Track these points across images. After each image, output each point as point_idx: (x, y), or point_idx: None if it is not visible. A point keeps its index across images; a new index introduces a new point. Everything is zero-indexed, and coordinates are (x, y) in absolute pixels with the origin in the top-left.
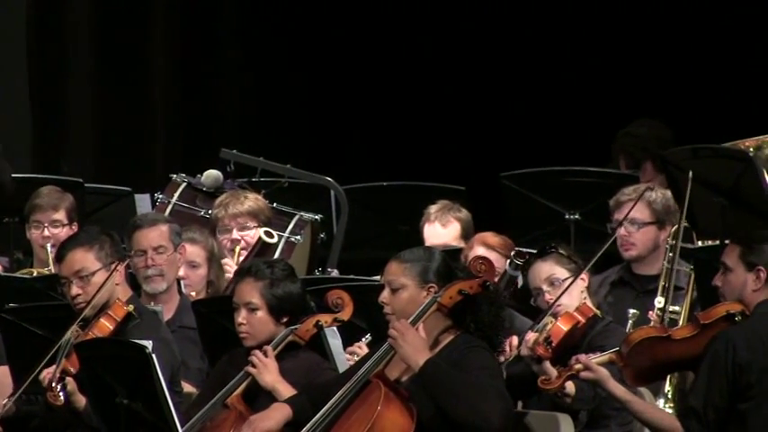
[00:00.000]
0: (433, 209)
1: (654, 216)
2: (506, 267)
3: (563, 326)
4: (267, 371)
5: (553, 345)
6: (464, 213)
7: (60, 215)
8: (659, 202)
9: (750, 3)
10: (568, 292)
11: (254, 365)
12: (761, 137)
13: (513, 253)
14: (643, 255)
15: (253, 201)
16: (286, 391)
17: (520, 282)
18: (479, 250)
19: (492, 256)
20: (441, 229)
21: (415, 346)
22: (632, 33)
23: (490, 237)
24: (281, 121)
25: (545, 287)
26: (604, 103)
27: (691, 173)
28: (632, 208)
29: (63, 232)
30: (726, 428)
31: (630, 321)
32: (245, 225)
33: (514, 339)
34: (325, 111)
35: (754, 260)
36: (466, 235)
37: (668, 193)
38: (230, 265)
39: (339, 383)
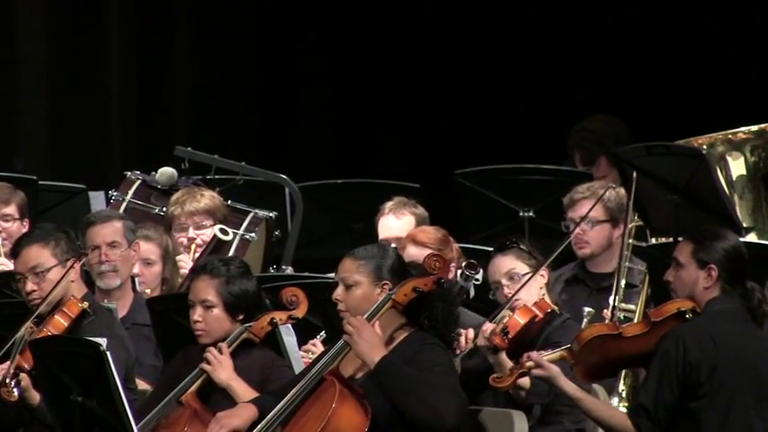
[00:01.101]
0: (389, 203)
1: (608, 214)
2: (457, 278)
3: (520, 319)
4: (222, 368)
5: (510, 336)
6: (420, 210)
7: (11, 209)
8: (613, 200)
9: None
10: (527, 286)
11: (208, 362)
12: (714, 134)
13: (464, 264)
14: (597, 253)
15: (209, 198)
16: (240, 388)
17: (471, 293)
18: (410, 249)
19: (424, 253)
20: (394, 222)
21: (370, 342)
22: (587, 29)
23: (419, 233)
24: (236, 118)
25: (504, 281)
26: (559, 100)
27: (635, 173)
28: (591, 208)
29: (14, 227)
30: (676, 426)
31: (586, 320)
32: (202, 223)
33: (470, 332)
34: (279, 108)
35: (706, 258)
36: None
37: (622, 190)
38: (186, 263)
39: (296, 382)
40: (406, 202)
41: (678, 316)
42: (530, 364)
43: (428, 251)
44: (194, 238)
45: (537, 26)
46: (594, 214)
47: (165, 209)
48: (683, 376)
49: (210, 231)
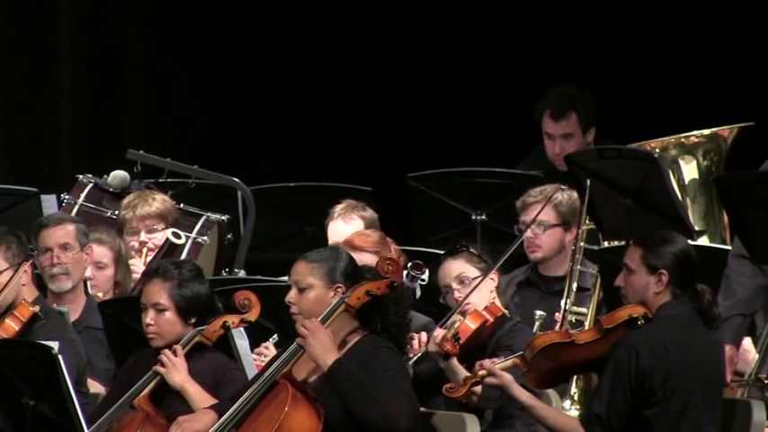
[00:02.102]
0: (337, 207)
1: (559, 218)
2: (404, 279)
3: (471, 323)
4: (176, 370)
5: (461, 341)
6: (369, 213)
7: None
8: (565, 203)
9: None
10: (478, 290)
11: (163, 365)
12: (667, 138)
13: (410, 265)
14: (549, 256)
15: (160, 202)
16: (194, 391)
17: (418, 293)
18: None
19: (363, 257)
20: (343, 226)
21: (324, 345)
22: (539, 35)
23: (356, 238)
24: (189, 122)
25: (455, 285)
26: (512, 105)
27: (588, 181)
28: (540, 211)
29: None
30: None
31: (537, 323)
32: (153, 227)
33: (423, 335)
34: (232, 111)
35: (656, 263)
36: None
37: (574, 194)
38: (137, 267)
39: (250, 386)
40: (355, 206)
41: (630, 322)
42: (482, 372)
43: (366, 254)
44: (146, 242)
45: (488, 31)
46: (547, 218)
47: (117, 212)
48: (636, 383)
49: (162, 235)
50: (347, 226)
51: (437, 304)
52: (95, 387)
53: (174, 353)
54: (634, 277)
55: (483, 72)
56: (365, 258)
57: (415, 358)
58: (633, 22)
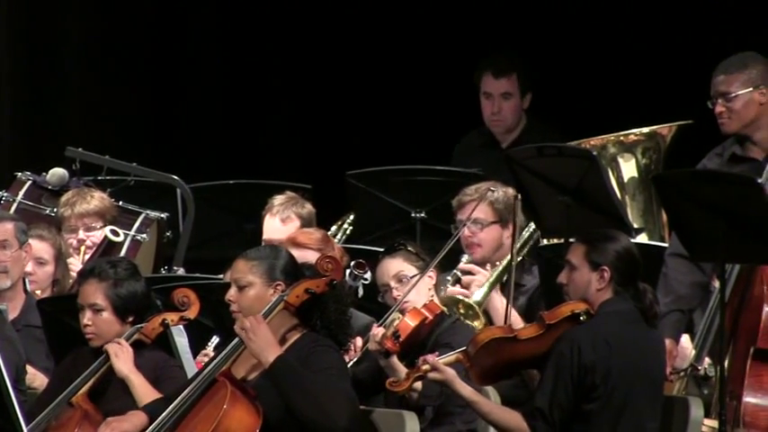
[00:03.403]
0: (276, 200)
1: (496, 215)
2: (346, 278)
3: (411, 321)
4: (124, 359)
5: (401, 339)
6: (306, 210)
7: None
8: (501, 201)
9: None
10: (416, 288)
11: (113, 352)
12: (606, 136)
13: (352, 263)
14: (488, 255)
15: (99, 200)
16: (139, 382)
17: (360, 292)
18: (291, 251)
19: (306, 254)
20: (280, 225)
21: (266, 341)
22: (475, 32)
23: (300, 236)
24: (128, 119)
25: (393, 284)
26: (451, 103)
27: (519, 196)
28: (474, 209)
29: None
30: (570, 429)
31: (450, 279)
32: (91, 225)
33: (358, 341)
34: (170, 109)
35: (599, 260)
36: None
37: (510, 190)
38: (75, 265)
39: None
40: (295, 202)
41: (572, 318)
42: (426, 367)
43: (309, 252)
44: (84, 240)
45: (426, 28)
46: (484, 216)
47: (55, 210)
48: (578, 379)
49: (100, 233)
50: (284, 226)
51: (377, 302)
52: (36, 382)
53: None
54: (576, 274)
55: (422, 70)
56: (308, 256)
57: (354, 360)
58: (571, 20)
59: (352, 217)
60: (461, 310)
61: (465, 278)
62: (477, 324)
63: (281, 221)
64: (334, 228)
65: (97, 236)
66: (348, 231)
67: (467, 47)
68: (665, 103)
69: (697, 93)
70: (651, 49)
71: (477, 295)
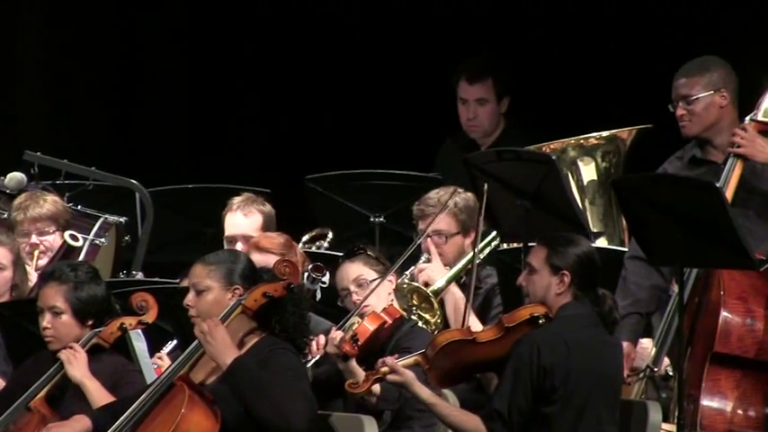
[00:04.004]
0: (236, 199)
1: (458, 226)
2: (304, 281)
3: (370, 325)
4: (77, 364)
5: (359, 343)
6: (268, 208)
7: None
8: (462, 208)
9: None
10: (376, 292)
11: (66, 358)
12: (566, 139)
13: (310, 267)
14: (451, 262)
15: (51, 204)
16: (94, 387)
17: (318, 295)
18: (254, 255)
19: (269, 258)
20: (242, 219)
21: (224, 344)
22: (436, 35)
23: (263, 239)
24: (86, 123)
25: (353, 288)
26: (411, 107)
27: (486, 185)
28: (433, 219)
29: None
30: (529, 431)
31: (422, 262)
32: (44, 229)
33: (321, 338)
34: (129, 113)
35: (559, 263)
36: (267, 228)
37: (470, 195)
38: (29, 269)
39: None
40: (255, 200)
41: (531, 321)
42: (385, 369)
43: (272, 257)
44: (37, 244)
45: (391, 31)
46: (447, 227)
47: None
48: (537, 381)
49: (53, 238)
50: (246, 219)
51: (336, 306)
52: None
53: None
54: (537, 277)
55: (383, 74)
56: (270, 260)
57: (314, 361)
58: (531, 25)
59: (330, 236)
60: (416, 301)
61: (421, 275)
62: (430, 317)
63: (244, 215)
64: (306, 237)
65: (50, 240)
66: (322, 248)
67: (431, 49)
68: (625, 106)
69: (656, 96)
70: (611, 53)
71: (434, 286)
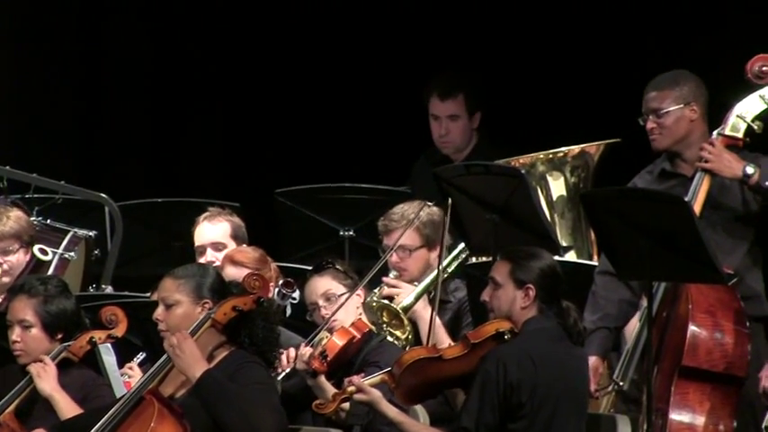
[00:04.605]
0: (203, 214)
1: (423, 240)
2: (274, 296)
3: (338, 341)
4: (47, 378)
5: (328, 359)
6: (236, 218)
7: None
8: (427, 223)
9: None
10: (344, 307)
11: (35, 372)
12: (535, 154)
13: (281, 282)
14: (416, 277)
15: (15, 221)
16: (63, 401)
17: (288, 311)
18: (229, 269)
19: (243, 273)
20: (209, 227)
21: (193, 357)
22: (405, 49)
23: (237, 253)
24: (55, 137)
25: (321, 302)
26: (378, 120)
27: (450, 200)
28: (401, 236)
29: None
30: None
31: (377, 292)
32: (8, 248)
33: (291, 351)
34: (98, 127)
35: (523, 277)
36: (236, 236)
37: (435, 210)
38: None
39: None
40: (221, 211)
41: (497, 337)
42: (351, 388)
43: (246, 271)
44: (1, 263)
45: (359, 46)
46: (411, 242)
47: None
48: (504, 397)
49: (16, 256)
50: (213, 226)
51: (305, 321)
52: None
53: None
54: (501, 291)
55: (353, 87)
56: (244, 274)
57: (284, 374)
58: (502, 39)
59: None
60: (386, 318)
61: (389, 291)
62: (400, 334)
63: (211, 224)
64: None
65: (13, 260)
66: None
67: (403, 63)
68: (594, 121)
69: (624, 111)
70: (580, 68)
71: (403, 303)
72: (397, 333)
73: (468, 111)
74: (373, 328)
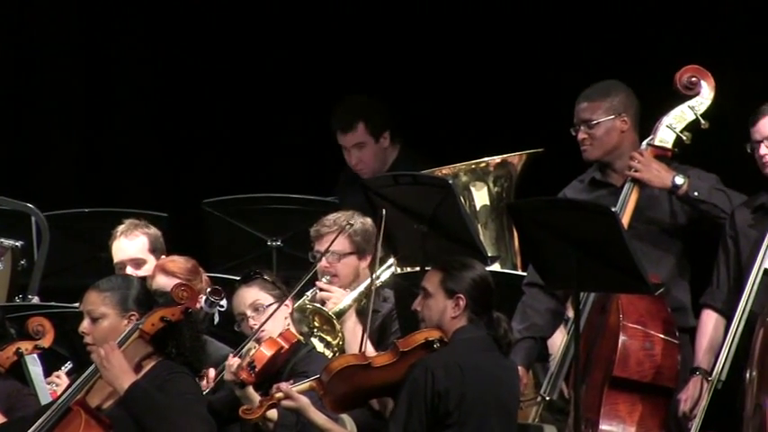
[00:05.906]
0: (119, 228)
1: (353, 246)
2: (202, 305)
3: (267, 351)
4: None
5: (257, 370)
6: (153, 230)
7: None
8: (359, 231)
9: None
10: (272, 317)
11: None
12: (458, 164)
13: (208, 290)
14: (345, 285)
15: None
16: None
17: (216, 319)
18: (160, 278)
19: (174, 282)
20: (126, 243)
21: (120, 368)
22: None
23: (169, 263)
24: None
25: (249, 312)
26: (309, 128)
27: (384, 211)
28: (333, 241)
29: None
30: None
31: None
32: None
33: (211, 372)
34: (24, 135)
35: (454, 287)
36: (154, 249)
37: (368, 220)
38: None
39: (41, 414)
40: (137, 224)
41: (426, 346)
42: (279, 395)
43: (177, 280)
44: None
45: (283, 56)
46: (340, 247)
47: None
48: (432, 405)
49: None
50: (130, 242)
51: (233, 331)
52: None
53: None
54: (432, 301)
55: (279, 97)
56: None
57: (208, 390)
58: (421, 50)
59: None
60: (317, 323)
61: (322, 294)
62: (331, 339)
63: (128, 240)
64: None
65: None
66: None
67: (325, 71)
68: (516, 130)
69: (547, 120)
70: (498, 80)
71: (336, 308)
72: (328, 338)
73: (373, 135)
74: (301, 338)
